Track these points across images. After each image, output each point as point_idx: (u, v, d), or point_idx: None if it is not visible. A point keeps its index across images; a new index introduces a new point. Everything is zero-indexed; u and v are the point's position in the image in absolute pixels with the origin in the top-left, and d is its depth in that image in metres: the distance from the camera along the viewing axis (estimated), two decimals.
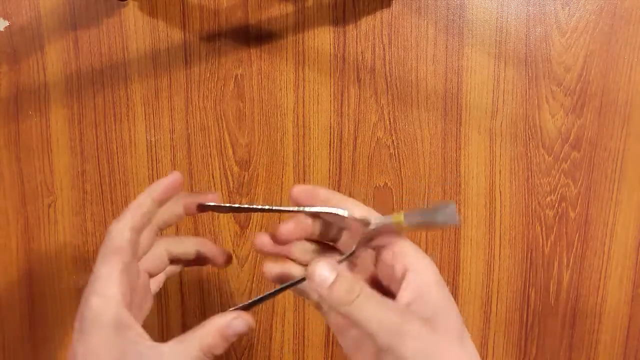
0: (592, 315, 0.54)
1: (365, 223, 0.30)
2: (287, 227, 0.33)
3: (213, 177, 0.52)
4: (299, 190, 0.33)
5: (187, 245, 0.36)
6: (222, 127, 0.52)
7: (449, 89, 0.50)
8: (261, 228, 0.53)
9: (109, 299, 0.29)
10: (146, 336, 0.29)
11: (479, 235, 0.53)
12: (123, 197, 0.53)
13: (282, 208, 0.33)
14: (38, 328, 0.56)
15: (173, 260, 0.36)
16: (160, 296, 0.55)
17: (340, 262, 0.31)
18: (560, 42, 0.49)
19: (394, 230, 0.30)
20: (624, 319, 0.54)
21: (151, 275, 0.35)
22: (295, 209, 0.32)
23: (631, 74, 0.50)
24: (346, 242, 0.33)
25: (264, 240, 0.34)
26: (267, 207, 0.33)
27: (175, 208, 0.34)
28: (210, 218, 0.53)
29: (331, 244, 0.35)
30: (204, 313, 0.55)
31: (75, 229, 0.54)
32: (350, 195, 0.33)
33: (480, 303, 0.54)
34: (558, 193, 0.52)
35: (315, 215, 0.33)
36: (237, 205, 0.35)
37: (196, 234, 0.53)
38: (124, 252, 0.30)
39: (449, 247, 0.53)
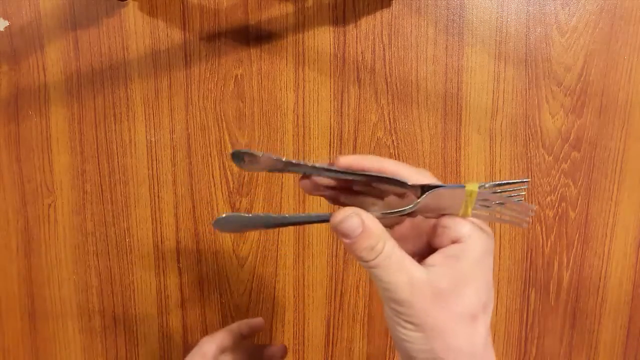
0: (592, 315, 0.54)
1: (425, 191, 0.28)
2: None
3: (213, 177, 0.52)
4: (346, 160, 0.30)
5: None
6: (222, 127, 0.52)
7: (449, 89, 0.50)
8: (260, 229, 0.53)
9: None
10: None
11: None
12: (123, 197, 0.53)
13: (339, 170, 0.29)
14: (38, 328, 0.56)
15: None
16: (161, 296, 0.55)
17: (381, 215, 0.29)
18: (560, 42, 0.49)
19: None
20: (624, 319, 0.54)
21: None
22: (355, 173, 0.29)
23: (631, 74, 0.50)
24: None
25: (306, 183, 0.32)
26: (325, 166, 0.29)
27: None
28: (210, 218, 0.53)
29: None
30: (204, 313, 0.55)
31: (75, 228, 0.54)
32: None
33: None
34: (558, 193, 0.52)
35: (367, 183, 0.30)
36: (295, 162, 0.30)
37: (196, 234, 0.53)
38: (207, 358, 0.41)
39: None
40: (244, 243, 0.53)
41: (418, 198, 0.28)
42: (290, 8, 0.49)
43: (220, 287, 0.55)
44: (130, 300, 0.55)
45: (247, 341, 0.46)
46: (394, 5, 0.49)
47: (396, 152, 0.51)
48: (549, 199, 0.52)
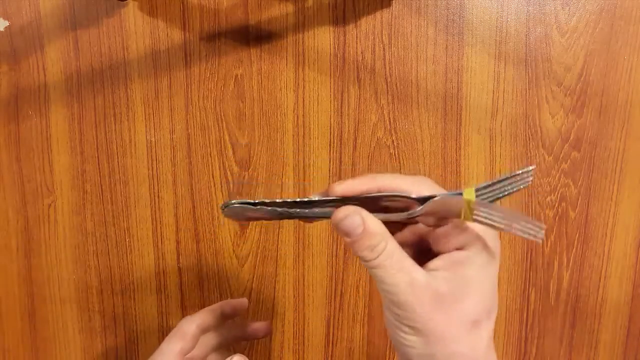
0: (592, 315, 0.54)
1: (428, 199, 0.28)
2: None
3: (213, 177, 0.52)
4: (341, 188, 0.29)
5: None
6: (222, 127, 0.52)
7: (449, 89, 0.50)
8: (261, 228, 0.53)
9: None
10: None
11: None
12: (123, 197, 0.53)
13: (337, 198, 0.29)
14: (38, 328, 0.56)
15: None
16: (161, 296, 0.55)
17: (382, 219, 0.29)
18: (560, 42, 0.49)
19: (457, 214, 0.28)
20: (624, 319, 0.54)
21: None
22: (355, 198, 0.29)
23: (631, 74, 0.50)
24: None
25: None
26: (323, 198, 0.29)
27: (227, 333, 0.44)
28: (210, 218, 0.53)
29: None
30: None
31: (75, 229, 0.54)
32: None
33: None
34: (558, 193, 0.52)
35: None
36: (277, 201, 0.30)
37: (196, 234, 0.53)
38: (187, 339, 0.41)
39: None
40: (244, 243, 0.53)
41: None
42: (290, 8, 0.49)
43: (220, 287, 0.55)
44: (130, 300, 0.55)
45: (230, 321, 0.46)
46: (394, 5, 0.49)
47: (396, 152, 0.51)
48: (549, 199, 0.52)
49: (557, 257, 0.53)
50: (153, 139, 0.52)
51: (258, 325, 0.46)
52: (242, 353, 0.55)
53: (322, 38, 0.50)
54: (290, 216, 0.30)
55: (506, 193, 0.28)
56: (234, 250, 0.54)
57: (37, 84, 0.51)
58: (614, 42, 0.49)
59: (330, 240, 0.53)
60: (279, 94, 0.51)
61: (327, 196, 0.29)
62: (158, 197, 0.53)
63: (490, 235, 0.28)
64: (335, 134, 0.51)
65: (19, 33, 0.51)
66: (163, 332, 0.55)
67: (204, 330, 0.42)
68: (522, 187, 0.27)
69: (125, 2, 0.50)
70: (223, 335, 0.44)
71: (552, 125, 0.51)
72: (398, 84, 0.50)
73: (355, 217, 0.28)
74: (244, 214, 0.30)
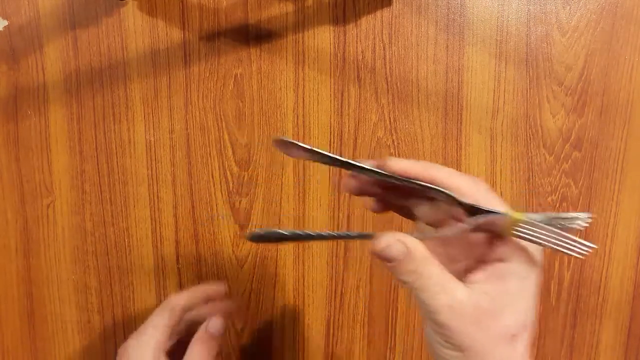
0: (593, 315, 0.54)
1: (472, 212, 0.28)
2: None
3: (212, 177, 0.52)
4: (400, 166, 0.29)
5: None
6: (222, 127, 0.51)
7: (450, 88, 0.50)
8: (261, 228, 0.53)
9: (150, 340, 0.42)
10: None
11: None
12: (122, 197, 0.53)
13: (386, 173, 0.28)
14: (37, 328, 0.56)
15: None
16: (160, 296, 0.54)
17: (422, 237, 0.28)
18: (561, 41, 0.49)
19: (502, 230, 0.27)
20: (625, 320, 0.54)
21: None
22: (403, 179, 0.28)
23: (632, 73, 0.50)
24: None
25: (351, 182, 0.32)
26: (373, 167, 0.28)
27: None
28: (210, 218, 0.53)
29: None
30: None
31: (74, 229, 0.54)
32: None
33: None
34: (559, 193, 0.52)
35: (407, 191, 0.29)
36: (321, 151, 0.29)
37: (195, 234, 0.53)
38: (176, 313, 0.44)
39: None
40: (243, 243, 0.53)
41: (465, 212, 0.28)
42: (290, 7, 0.49)
43: None
44: (129, 300, 0.55)
45: (215, 302, 0.49)
46: (394, 5, 0.49)
47: (396, 152, 0.51)
48: (549, 199, 0.52)
49: (558, 257, 0.53)
50: (152, 139, 0.52)
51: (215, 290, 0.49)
52: (244, 354, 0.55)
53: (322, 37, 0.50)
54: (322, 237, 0.30)
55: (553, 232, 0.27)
56: (233, 251, 0.53)
57: (36, 84, 0.51)
58: (615, 42, 0.49)
59: (331, 240, 0.53)
60: (279, 94, 0.51)
61: (380, 169, 0.29)
62: (157, 197, 0.53)
63: (531, 248, 0.28)
64: (335, 134, 0.51)
65: (17, 32, 0.50)
66: None
67: (189, 308, 0.46)
68: (574, 227, 0.27)
69: (124, 1, 0.49)
70: (207, 312, 0.47)
71: (553, 125, 0.51)
72: (398, 84, 0.50)
73: (398, 246, 0.27)
74: (273, 238, 0.31)
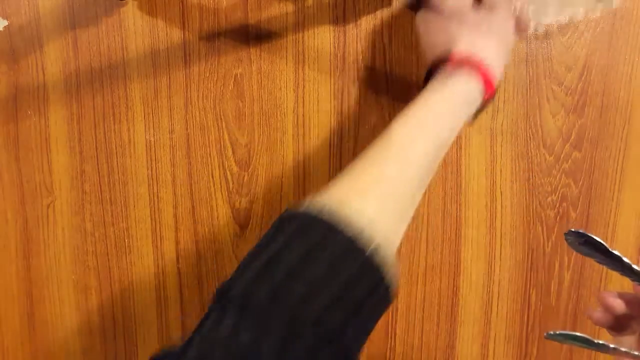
0: None
1: None
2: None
3: (212, 177, 0.52)
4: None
5: None
6: (222, 127, 0.51)
7: None
8: (261, 229, 0.53)
9: None
10: None
11: (480, 235, 0.52)
12: (122, 197, 0.53)
13: None
14: (37, 328, 0.56)
15: None
16: (160, 296, 0.54)
17: None
18: (561, 41, 0.49)
19: None
20: None
21: None
22: None
23: (632, 73, 0.50)
24: None
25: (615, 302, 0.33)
26: None
27: None
28: (210, 218, 0.53)
29: None
30: (203, 314, 0.55)
31: (74, 229, 0.54)
32: None
33: (481, 303, 0.54)
34: (559, 193, 0.52)
35: None
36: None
37: (196, 234, 0.53)
38: None
39: (449, 248, 0.53)
40: (243, 244, 0.53)
41: None
42: (290, 7, 0.49)
43: None
44: (129, 300, 0.55)
45: None
46: (394, 5, 0.49)
47: None
48: (549, 199, 0.52)
49: (558, 257, 0.53)
50: (152, 139, 0.52)
51: None
52: None
53: (322, 37, 0.50)
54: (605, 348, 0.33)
55: None
56: (233, 251, 0.53)
57: (36, 84, 0.51)
58: (615, 42, 0.49)
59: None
60: (279, 94, 0.51)
61: None
62: (157, 197, 0.53)
63: None
64: (335, 134, 0.51)
65: (17, 32, 0.50)
66: (163, 332, 0.55)
67: None
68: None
69: (124, 1, 0.49)
70: None
71: (553, 124, 0.50)
72: (398, 84, 0.50)
73: None
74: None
